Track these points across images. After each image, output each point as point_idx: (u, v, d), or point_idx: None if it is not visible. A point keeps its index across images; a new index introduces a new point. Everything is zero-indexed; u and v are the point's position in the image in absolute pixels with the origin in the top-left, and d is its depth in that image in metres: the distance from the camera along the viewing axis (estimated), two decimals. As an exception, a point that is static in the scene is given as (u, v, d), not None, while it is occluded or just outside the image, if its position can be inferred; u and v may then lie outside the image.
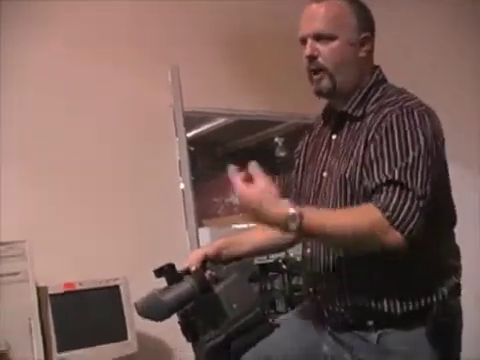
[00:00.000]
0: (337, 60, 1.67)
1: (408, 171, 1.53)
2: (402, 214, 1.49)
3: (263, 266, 4.51)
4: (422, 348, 1.60)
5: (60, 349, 2.44)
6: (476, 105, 3.42)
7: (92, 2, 3.02)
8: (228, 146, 6.48)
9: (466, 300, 3.38)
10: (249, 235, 1.98)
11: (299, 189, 1.86)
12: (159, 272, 1.68)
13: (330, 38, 1.67)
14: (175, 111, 2.82)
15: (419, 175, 1.53)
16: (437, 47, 3.58)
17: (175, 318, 1.72)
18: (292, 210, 1.44)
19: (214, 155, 6.66)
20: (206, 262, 1.81)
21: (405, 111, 1.59)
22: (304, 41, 1.70)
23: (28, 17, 2.83)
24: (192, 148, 6.16)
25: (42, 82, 2.88)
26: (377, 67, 1.77)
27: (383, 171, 1.54)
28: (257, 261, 4.25)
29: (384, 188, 1.53)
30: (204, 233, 4.88)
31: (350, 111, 1.71)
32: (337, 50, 1.67)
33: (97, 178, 2.94)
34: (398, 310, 1.60)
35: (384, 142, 1.58)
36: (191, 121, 4.93)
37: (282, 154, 6.33)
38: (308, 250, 1.75)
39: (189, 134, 5.32)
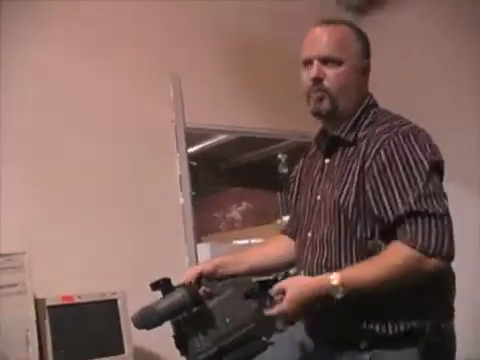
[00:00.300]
0: (342, 85, 1.70)
1: (422, 198, 1.56)
2: (432, 242, 1.54)
3: (263, 283, 4.50)
4: None
5: None
6: (475, 105, 3.44)
7: (93, 2, 3.04)
8: (231, 162, 6.48)
9: (465, 305, 3.39)
10: (247, 254, 2.00)
11: (296, 213, 1.90)
12: (155, 286, 1.71)
13: (337, 62, 1.70)
14: (177, 126, 2.84)
15: (433, 197, 1.57)
16: (436, 47, 3.60)
17: (172, 333, 1.74)
18: (333, 282, 1.52)
19: (217, 170, 6.66)
20: (201, 278, 1.84)
21: (402, 137, 1.62)
22: (307, 63, 1.73)
23: (29, 18, 2.84)
24: (194, 163, 6.18)
25: (42, 83, 2.88)
26: (369, 93, 1.80)
27: (396, 204, 1.58)
28: (257, 278, 4.25)
29: (406, 221, 1.56)
30: (204, 248, 4.88)
31: (342, 136, 1.73)
32: (343, 75, 1.70)
33: (97, 191, 2.95)
34: (390, 331, 1.61)
35: (389, 173, 1.61)
36: (193, 137, 4.96)
37: (285, 170, 6.36)
38: (302, 271, 1.77)
39: (192, 149, 5.34)
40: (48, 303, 2.49)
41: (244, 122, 3.47)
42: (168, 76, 3.02)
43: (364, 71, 1.75)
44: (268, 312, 1.59)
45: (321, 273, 1.66)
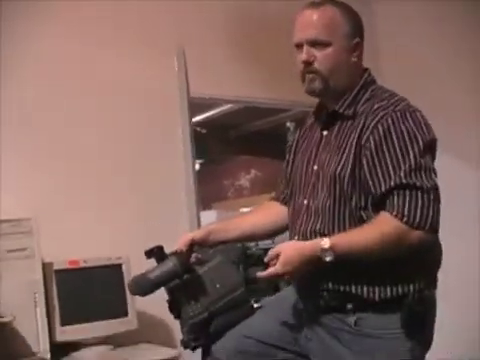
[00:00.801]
0: (331, 65, 1.77)
1: (413, 171, 1.63)
2: (418, 214, 1.61)
3: (267, 251, 4.57)
4: (396, 333, 1.69)
5: (63, 323, 2.54)
6: (474, 104, 3.47)
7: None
8: (240, 129, 6.52)
9: (470, 299, 3.45)
10: (238, 221, 2.07)
11: (289, 181, 1.96)
12: (149, 253, 1.80)
13: (325, 44, 1.76)
14: (180, 96, 2.89)
15: (423, 171, 1.64)
16: (434, 46, 3.63)
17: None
18: (324, 245, 1.61)
19: (226, 138, 6.69)
20: (193, 245, 1.91)
21: (399, 114, 1.69)
22: (299, 46, 1.79)
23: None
24: (204, 131, 6.22)
25: (43, 63, 2.92)
26: (366, 69, 1.86)
27: (389, 176, 1.65)
28: (262, 246, 4.33)
29: (395, 193, 1.64)
30: (210, 216, 4.97)
31: (341, 110, 1.80)
32: (332, 56, 1.76)
33: (103, 160, 3.02)
34: (376, 296, 1.69)
35: (384, 147, 1.67)
36: (202, 106, 4.97)
37: (292, 136, 6.39)
38: (295, 237, 1.83)
39: (201, 117, 5.39)
40: (55, 267, 2.58)
41: (247, 92, 3.49)
42: (173, 48, 3.05)
43: (354, 49, 1.80)
44: (260, 274, 1.67)
45: (314, 239, 1.73)
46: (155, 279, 1.75)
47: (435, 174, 1.67)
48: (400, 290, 1.69)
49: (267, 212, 2.07)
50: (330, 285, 1.72)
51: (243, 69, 3.48)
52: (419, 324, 1.70)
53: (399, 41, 3.79)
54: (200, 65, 3.24)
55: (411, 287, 1.69)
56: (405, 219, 1.61)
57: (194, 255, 1.87)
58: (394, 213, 1.62)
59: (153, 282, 1.75)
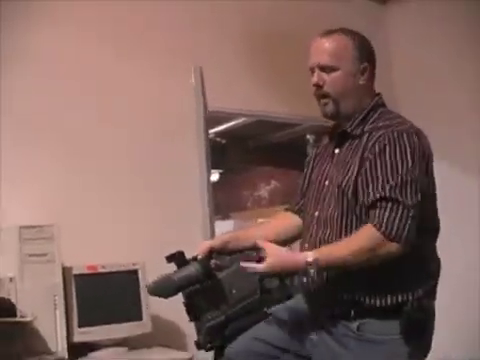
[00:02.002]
0: (339, 88, 1.92)
1: (398, 187, 1.76)
2: (395, 227, 1.74)
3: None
4: (396, 338, 1.80)
5: (80, 324, 2.63)
6: (475, 105, 3.53)
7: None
8: (260, 140, 6.59)
9: (470, 300, 3.50)
10: (254, 230, 2.20)
11: (303, 194, 2.12)
12: (170, 258, 1.92)
13: (333, 69, 1.91)
14: (197, 109, 3.00)
15: (408, 188, 1.77)
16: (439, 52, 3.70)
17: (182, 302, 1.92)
18: (308, 259, 1.74)
19: (246, 148, 6.77)
20: (212, 253, 2.02)
21: (396, 134, 1.82)
22: (312, 70, 1.95)
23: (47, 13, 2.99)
24: (223, 141, 6.32)
25: (66, 68, 3.03)
26: (378, 94, 2.01)
27: (377, 189, 1.78)
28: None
29: (378, 204, 1.77)
30: (227, 225, 5.07)
31: (349, 130, 1.94)
32: (339, 79, 1.92)
33: (123, 173, 3.14)
34: (377, 303, 1.81)
35: (378, 163, 1.81)
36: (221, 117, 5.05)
37: (313, 151, 6.43)
38: (306, 245, 1.97)
39: (221, 127, 5.49)
40: (74, 272, 2.69)
41: (264, 106, 3.61)
42: (191, 62, 3.16)
43: (362, 72, 1.95)
44: (243, 264, 1.82)
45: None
46: (178, 282, 1.86)
47: (420, 196, 1.77)
48: (400, 298, 1.81)
49: (281, 222, 2.21)
50: (336, 294, 1.85)
51: (259, 83, 3.59)
52: (418, 331, 1.82)
53: (412, 52, 3.86)
54: (217, 79, 3.33)
55: (410, 296, 1.81)
56: (383, 229, 1.74)
57: (213, 262, 1.98)
58: (374, 223, 1.75)
59: (177, 285, 1.86)
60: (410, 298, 1.81)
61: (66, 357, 2.49)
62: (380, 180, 1.79)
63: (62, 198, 2.93)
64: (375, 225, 1.75)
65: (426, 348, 1.88)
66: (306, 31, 3.45)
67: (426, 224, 1.82)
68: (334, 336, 1.88)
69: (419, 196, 1.77)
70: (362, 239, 1.77)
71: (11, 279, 2.48)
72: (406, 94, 3.75)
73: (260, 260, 1.80)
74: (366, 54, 1.97)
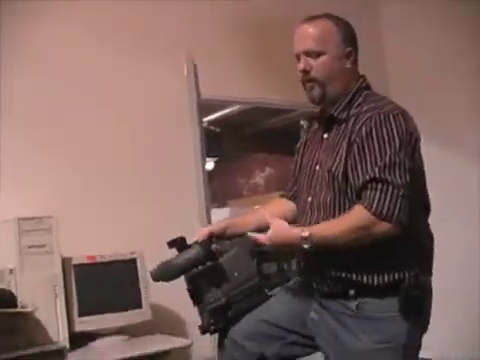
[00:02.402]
0: (326, 72, 1.94)
1: (386, 168, 1.79)
2: (385, 206, 1.77)
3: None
4: (394, 315, 1.84)
5: (81, 314, 2.66)
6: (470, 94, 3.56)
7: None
8: (255, 127, 6.60)
9: (470, 300, 3.51)
10: (253, 216, 2.22)
11: (296, 179, 2.15)
12: (172, 243, 1.95)
13: (319, 54, 1.93)
14: (190, 98, 3.02)
15: (396, 169, 1.79)
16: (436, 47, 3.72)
17: (186, 293, 1.96)
18: (303, 234, 1.79)
19: (241, 136, 6.77)
20: (212, 237, 2.06)
21: (382, 117, 1.85)
22: (298, 57, 1.97)
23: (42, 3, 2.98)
24: (218, 129, 6.32)
25: (61, 61, 3.04)
26: (362, 76, 2.03)
27: (366, 171, 1.81)
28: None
29: (368, 186, 1.80)
30: (224, 213, 5.09)
31: (336, 114, 1.97)
32: (326, 64, 1.94)
33: (120, 162, 3.15)
34: (375, 282, 1.85)
35: (365, 145, 1.84)
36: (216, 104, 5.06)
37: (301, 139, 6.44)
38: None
39: (216, 115, 5.49)
40: (74, 262, 2.72)
41: (255, 93, 3.62)
42: (184, 50, 3.18)
43: (347, 56, 1.97)
44: (250, 234, 1.89)
45: None
46: (180, 264, 1.90)
47: (409, 175, 1.80)
48: (396, 276, 1.85)
49: (276, 207, 2.24)
50: (333, 273, 1.89)
51: (253, 71, 3.60)
52: (416, 307, 1.86)
53: (403, 43, 3.89)
54: (210, 67, 3.35)
55: (406, 273, 1.85)
56: (373, 210, 1.77)
57: (213, 246, 2.02)
58: (365, 205, 1.79)
59: (179, 267, 1.90)
60: (407, 275, 1.85)
61: (67, 346, 2.52)
62: (368, 162, 1.82)
63: (60, 190, 2.94)
64: (366, 206, 1.78)
65: (424, 324, 1.92)
66: (299, 18, 3.49)
67: (416, 204, 1.85)
68: (333, 315, 1.92)
69: (408, 176, 1.79)
70: (353, 219, 1.80)
71: (11, 271, 2.51)
72: (399, 87, 3.77)
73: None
74: (350, 38, 1.99)
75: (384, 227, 1.77)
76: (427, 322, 1.93)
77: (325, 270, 1.91)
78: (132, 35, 3.26)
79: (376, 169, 1.80)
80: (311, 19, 1.97)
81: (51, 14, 3.04)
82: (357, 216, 1.80)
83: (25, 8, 2.92)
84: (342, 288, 1.90)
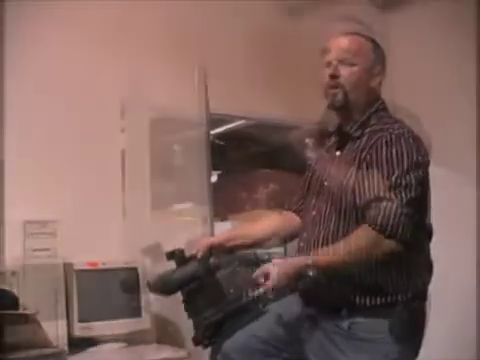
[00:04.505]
0: (353, 81, 2.00)
1: (392, 189, 1.82)
2: (390, 224, 1.79)
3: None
4: (385, 337, 1.86)
5: (81, 319, 2.67)
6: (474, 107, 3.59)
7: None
8: (260, 143, 6.61)
9: (469, 301, 3.51)
10: (254, 228, 2.26)
11: (303, 193, 2.19)
12: (170, 255, 1.98)
13: (352, 64, 2.00)
14: (199, 111, 3.05)
15: (402, 189, 1.83)
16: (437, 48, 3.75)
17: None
18: (308, 262, 1.81)
19: (246, 151, 6.80)
20: (212, 249, 2.08)
21: (394, 137, 1.89)
22: (329, 64, 2.03)
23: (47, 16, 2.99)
24: (222, 143, 6.34)
25: (61, 65, 3.01)
26: (382, 99, 2.08)
27: (372, 189, 1.84)
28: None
29: (372, 205, 1.83)
30: (226, 227, 5.08)
31: (351, 132, 2.02)
32: (356, 73, 2.01)
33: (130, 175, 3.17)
34: (367, 303, 1.87)
35: (374, 164, 1.88)
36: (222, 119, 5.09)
37: (312, 155, 6.47)
38: (301, 243, 2.04)
39: (221, 129, 5.53)
40: (75, 267, 2.72)
41: (263, 109, 3.66)
42: (194, 63, 3.20)
43: (376, 74, 2.04)
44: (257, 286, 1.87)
45: (320, 246, 1.94)
46: (179, 280, 1.93)
47: (415, 196, 1.83)
48: (389, 299, 1.87)
49: (279, 220, 2.27)
50: (327, 294, 1.91)
51: (259, 86, 3.63)
52: (407, 331, 1.87)
53: (412, 57, 3.91)
54: (220, 82, 3.36)
55: (398, 297, 1.87)
56: (377, 227, 1.79)
57: (212, 260, 2.04)
58: (370, 223, 1.81)
59: (177, 282, 1.93)
60: (399, 299, 1.87)
61: (66, 350, 2.54)
62: (375, 181, 1.85)
63: (64, 196, 2.93)
64: (370, 225, 1.81)
65: (417, 348, 1.94)
66: (306, 35, 3.53)
67: (418, 231, 1.87)
68: (326, 334, 1.94)
69: (413, 197, 1.82)
70: (358, 239, 1.83)
71: (13, 273, 2.53)
72: (406, 98, 3.79)
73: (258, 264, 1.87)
74: (381, 59, 2.08)
75: (390, 245, 1.80)
76: (419, 347, 1.95)
77: (319, 289, 1.92)
78: (142, 46, 3.27)
79: (381, 189, 1.83)
80: (349, 33, 2.06)
81: (58, 20, 3.04)
82: (362, 236, 1.83)
83: (34, 15, 2.93)
84: (335, 308, 1.92)
